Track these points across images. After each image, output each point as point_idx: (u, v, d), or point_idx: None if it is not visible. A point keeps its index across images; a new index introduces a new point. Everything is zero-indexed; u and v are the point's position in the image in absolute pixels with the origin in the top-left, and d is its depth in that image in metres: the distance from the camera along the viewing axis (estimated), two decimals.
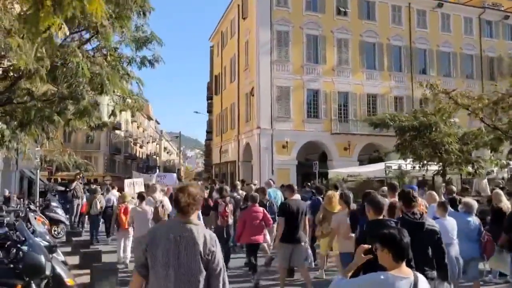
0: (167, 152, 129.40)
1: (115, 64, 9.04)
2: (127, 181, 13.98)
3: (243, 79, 33.50)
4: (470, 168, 15.45)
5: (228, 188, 10.99)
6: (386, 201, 5.15)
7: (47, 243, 6.43)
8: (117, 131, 63.17)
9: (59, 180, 42.11)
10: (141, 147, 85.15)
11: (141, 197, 9.43)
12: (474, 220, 7.45)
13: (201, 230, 3.13)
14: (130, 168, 72.09)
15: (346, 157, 31.66)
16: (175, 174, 25.17)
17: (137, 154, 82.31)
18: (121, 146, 67.10)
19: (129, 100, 10.43)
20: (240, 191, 13.52)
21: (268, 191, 12.67)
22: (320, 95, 31.85)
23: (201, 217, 10.66)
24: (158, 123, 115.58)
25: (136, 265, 3.20)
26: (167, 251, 3.03)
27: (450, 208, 7.76)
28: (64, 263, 6.69)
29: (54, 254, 6.30)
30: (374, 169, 21.12)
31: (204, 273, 3.05)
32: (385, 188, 9.54)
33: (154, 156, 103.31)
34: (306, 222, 8.03)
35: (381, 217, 4.69)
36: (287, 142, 29.95)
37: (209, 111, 55.33)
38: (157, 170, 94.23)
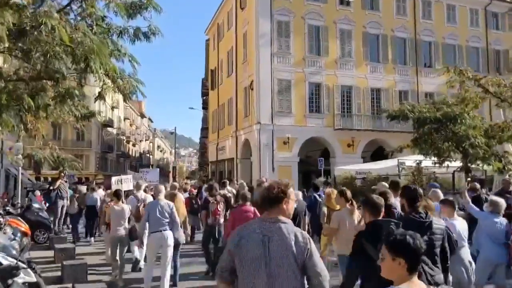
0: (161, 151, 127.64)
1: (102, 36, 7.45)
2: (114, 178, 12.87)
3: (242, 73, 31.92)
4: (499, 164, 14.00)
5: (217, 186, 10.45)
6: (383, 201, 4.64)
7: (10, 261, 4.87)
8: (109, 128, 61.37)
9: (49, 179, 40.36)
10: (134, 145, 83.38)
11: (117, 195, 8.90)
12: (501, 221, 6.66)
13: (291, 228, 2.89)
14: (123, 167, 70.35)
15: (350, 154, 30.25)
16: (158, 169, 23.89)
17: (130, 153, 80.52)
18: (113, 144, 65.28)
19: (120, 81, 8.73)
20: (229, 188, 13.21)
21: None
22: (323, 89, 30.35)
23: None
24: (151, 121, 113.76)
25: (218, 269, 3.01)
26: (256, 254, 2.82)
27: (475, 207, 7.24)
28: (36, 285, 5.10)
29: (21, 275, 4.73)
30: (385, 166, 19.64)
31: (301, 278, 2.83)
32: (382, 185, 8.86)
33: (147, 155, 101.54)
34: (305, 224, 7.70)
35: (379, 218, 4.26)
36: (288, 138, 28.44)
37: (205, 107, 53.78)
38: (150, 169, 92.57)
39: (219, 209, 9.11)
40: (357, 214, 6.65)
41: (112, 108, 65.77)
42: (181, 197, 9.48)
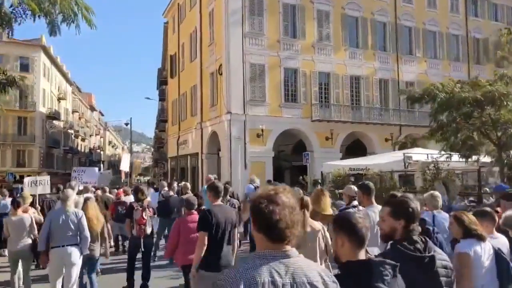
0: (112, 146, 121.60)
1: None
2: (27, 180, 11.18)
3: (207, 57, 28.27)
4: None
5: (145, 189, 9.20)
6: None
7: None
8: (55, 121, 55.83)
9: None
10: (83, 140, 77.63)
11: (15, 203, 7.82)
12: None
13: (313, 266, 2.01)
14: (71, 163, 64.86)
15: (328, 147, 27.33)
16: (96, 169, 21.03)
17: (79, 148, 74.80)
18: (60, 139, 59.68)
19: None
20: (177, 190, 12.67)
21: (204, 189, 10.67)
22: (299, 76, 27.19)
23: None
24: (102, 115, 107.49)
25: None
26: None
27: None
28: None
29: None
30: (386, 161, 16.67)
31: None
32: (349, 188, 6.98)
33: (98, 150, 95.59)
34: (235, 238, 5.89)
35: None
36: (262, 130, 25.08)
37: (162, 98, 49.76)
38: (101, 165, 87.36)
39: (145, 218, 7.81)
40: (320, 234, 4.81)
41: (59, 99, 60.22)
42: (94, 204, 7.74)
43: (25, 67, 49.68)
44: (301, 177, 20.22)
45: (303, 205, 4.96)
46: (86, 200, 7.53)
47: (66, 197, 6.58)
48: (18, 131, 49.90)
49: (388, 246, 3.14)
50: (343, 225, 2.54)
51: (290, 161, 29.01)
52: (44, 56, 52.09)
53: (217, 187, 5.67)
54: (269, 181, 22.19)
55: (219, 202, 5.63)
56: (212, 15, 27.53)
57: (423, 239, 3.07)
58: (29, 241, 7.49)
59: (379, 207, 5.16)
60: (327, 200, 6.49)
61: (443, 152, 13.48)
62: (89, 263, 7.14)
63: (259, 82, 25.88)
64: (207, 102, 28.25)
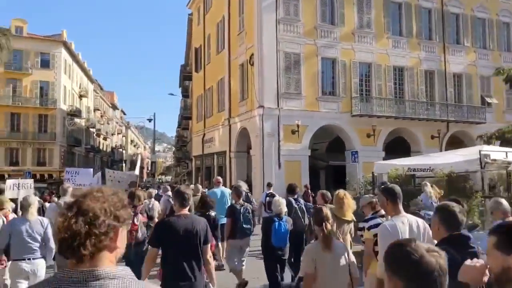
0: (134, 145, 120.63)
1: None
2: (9, 182, 10.12)
3: (236, 46, 25.96)
4: None
5: (142, 194, 8.09)
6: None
7: None
8: (76, 119, 54.31)
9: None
10: (105, 138, 76.33)
11: None
12: None
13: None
14: (93, 162, 63.52)
15: (370, 146, 24.82)
16: (91, 170, 19.35)
17: (101, 147, 73.49)
18: (82, 137, 58.26)
19: None
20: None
21: (213, 192, 10.35)
22: (338, 66, 24.69)
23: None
24: (124, 114, 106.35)
25: None
26: None
27: None
28: None
29: None
30: (456, 160, 14.06)
31: None
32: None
33: (120, 149, 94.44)
34: (207, 254, 4.57)
35: None
36: (298, 126, 22.65)
37: (185, 95, 47.82)
38: (123, 164, 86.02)
39: (136, 223, 7.30)
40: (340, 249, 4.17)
41: (80, 96, 58.81)
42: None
43: (45, 63, 48.35)
44: (347, 179, 17.82)
45: (322, 218, 4.17)
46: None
47: (28, 204, 5.83)
48: (38, 129, 48.49)
49: None
50: (400, 263, 1.64)
51: (326, 160, 26.57)
52: (65, 52, 50.61)
53: (182, 193, 4.70)
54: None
55: (185, 211, 4.71)
56: (242, 1, 25.22)
57: None
58: None
59: (409, 216, 4.25)
60: (349, 204, 6.23)
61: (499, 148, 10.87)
62: None
63: (294, 73, 23.46)
64: (236, 96, 25.95)
